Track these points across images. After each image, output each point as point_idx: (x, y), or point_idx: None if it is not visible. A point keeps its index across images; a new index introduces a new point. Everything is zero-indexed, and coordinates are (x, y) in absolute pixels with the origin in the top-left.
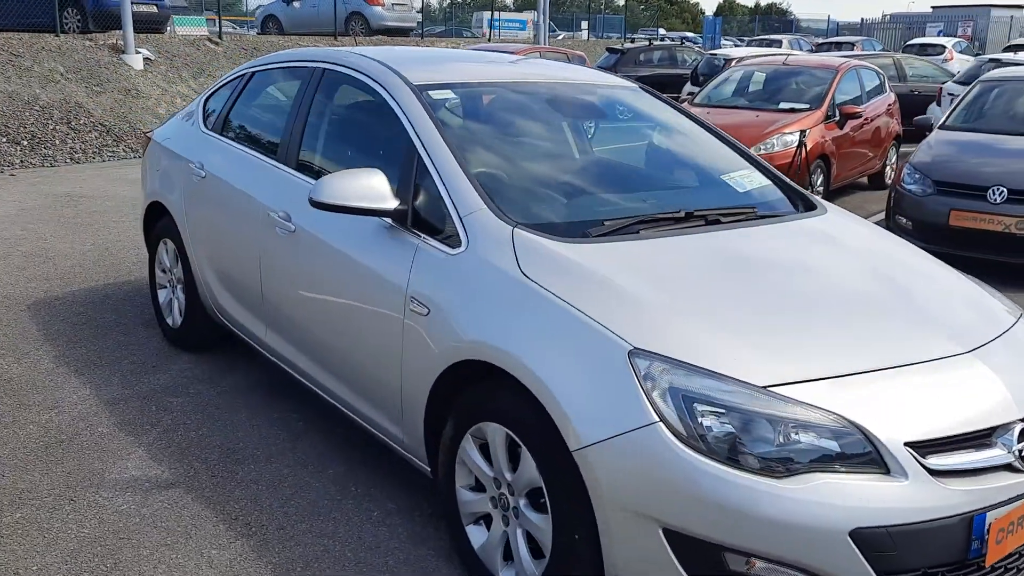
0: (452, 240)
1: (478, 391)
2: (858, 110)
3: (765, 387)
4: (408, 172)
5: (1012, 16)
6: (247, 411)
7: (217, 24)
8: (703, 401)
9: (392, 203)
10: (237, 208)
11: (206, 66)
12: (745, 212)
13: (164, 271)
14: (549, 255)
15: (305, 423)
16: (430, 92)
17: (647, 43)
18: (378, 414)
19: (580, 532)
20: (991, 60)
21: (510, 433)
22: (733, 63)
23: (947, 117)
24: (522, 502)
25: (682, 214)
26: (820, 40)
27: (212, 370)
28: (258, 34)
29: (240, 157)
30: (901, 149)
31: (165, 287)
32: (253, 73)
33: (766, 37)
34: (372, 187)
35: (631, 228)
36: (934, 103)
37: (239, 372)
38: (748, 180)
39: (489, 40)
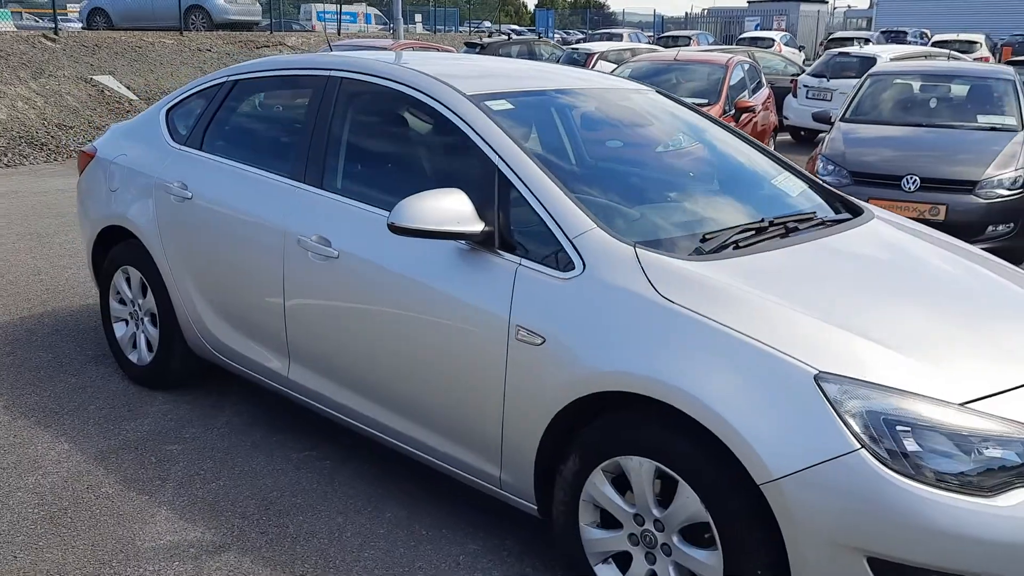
0: (559, 263)
1: (613, 423)
2: (752, 103)
3: (963, 403)
4: (487, 191)
5: (819, 11)
6: (261, 454)
7: (51, 20)
8: (904, 423)
9: (479, 225)
10: (244, 233)
11: (45, 65)
12: (808, 218)
13: (123, 303)
14: (681, 275)
15: (332, 463)
16: (487, 103)
17: (506, 37)
18: (463, 451)
19: (762, 567)
20: (840, 54)
21: (660, 467)
22: (595, 58)
23: (846, 110)
24: (675, 538)
25: (765, 223)
26: (653, 35)
27: (198, 410)
28: (83, 29)
29: (239, 176)
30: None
31: (125, 320)
32: (236, 82)
33: (607, 31)
34: (458, 209)
35: (729, 241)
36: (790, 95)
37: (228, 410)
38: (791, 185)
39: (339, 34)
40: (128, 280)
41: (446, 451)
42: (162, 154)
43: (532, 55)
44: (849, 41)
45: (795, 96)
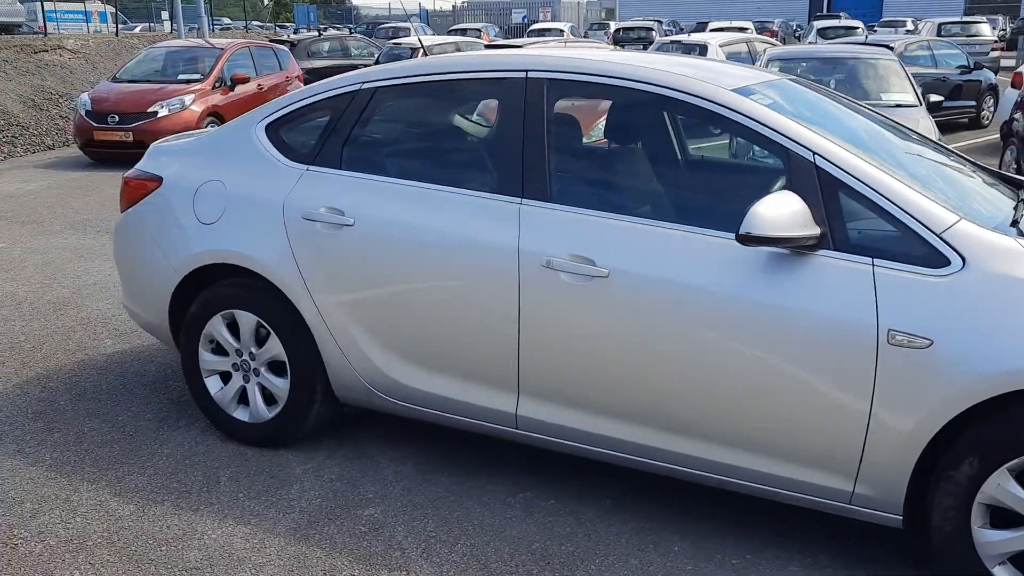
0: (925, 259)
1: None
2: None
3: None
4: (805, 190)
5: (579, 2)
6: (472, 503)
7: None
8: None
9: (816, 228)
10: (450, 259)
11: None
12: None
13: (220, 353)
14: None
15: (558, 503)
16: (751, 98)
17: (317, 34)
18: (798, 470)
19: None
20: (672, 42)
21: None
22: (419, 54)
23: None
24: None
25: None
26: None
27: (351, 466)
28: None
29: (423, 197)
30: None
31: (222, 374)
32: (375, 90)
33: (393, 26)
34: (800, 211)
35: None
36: None
37: (383, 459)
38: (971, 165)
39: (117, 35)
40: (234, 327)
41: (772, 472)
42: (281, 176)
43: (346, 51)
44: (633, 31)
45: None
